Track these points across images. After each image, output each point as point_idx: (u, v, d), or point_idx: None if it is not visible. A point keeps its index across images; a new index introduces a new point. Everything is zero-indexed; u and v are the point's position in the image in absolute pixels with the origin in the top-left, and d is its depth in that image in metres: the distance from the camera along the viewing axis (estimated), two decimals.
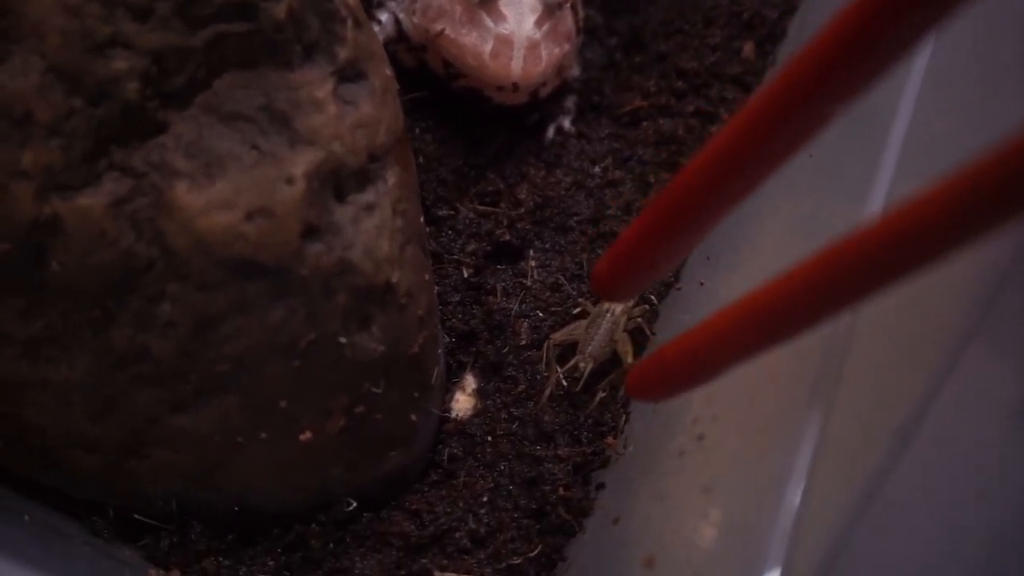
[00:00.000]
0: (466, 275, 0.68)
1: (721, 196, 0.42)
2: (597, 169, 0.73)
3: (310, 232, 0.52)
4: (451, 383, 0.65)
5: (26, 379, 0.53)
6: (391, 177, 0.56)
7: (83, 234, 0.50)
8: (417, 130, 0.73)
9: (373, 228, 0.54)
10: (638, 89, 0.77)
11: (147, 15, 0.50)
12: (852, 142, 0.63)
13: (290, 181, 0.51)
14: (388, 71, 0.57)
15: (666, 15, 0.81)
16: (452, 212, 0.70)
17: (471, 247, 0.69)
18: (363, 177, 0.54)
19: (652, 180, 0.72)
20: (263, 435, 0.55)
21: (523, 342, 0.65)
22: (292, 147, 0.52)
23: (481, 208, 0.70)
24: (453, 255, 0.68)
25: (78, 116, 0.49)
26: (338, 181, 0.53)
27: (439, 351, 0.61)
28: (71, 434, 0.54)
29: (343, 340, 0.54)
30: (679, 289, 0.67)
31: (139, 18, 0.49)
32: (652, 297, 0.67)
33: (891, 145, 0.58)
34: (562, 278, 0.68)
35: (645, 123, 0.75)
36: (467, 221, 0.70)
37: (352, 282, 0.53)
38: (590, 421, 0.62)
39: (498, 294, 0.67)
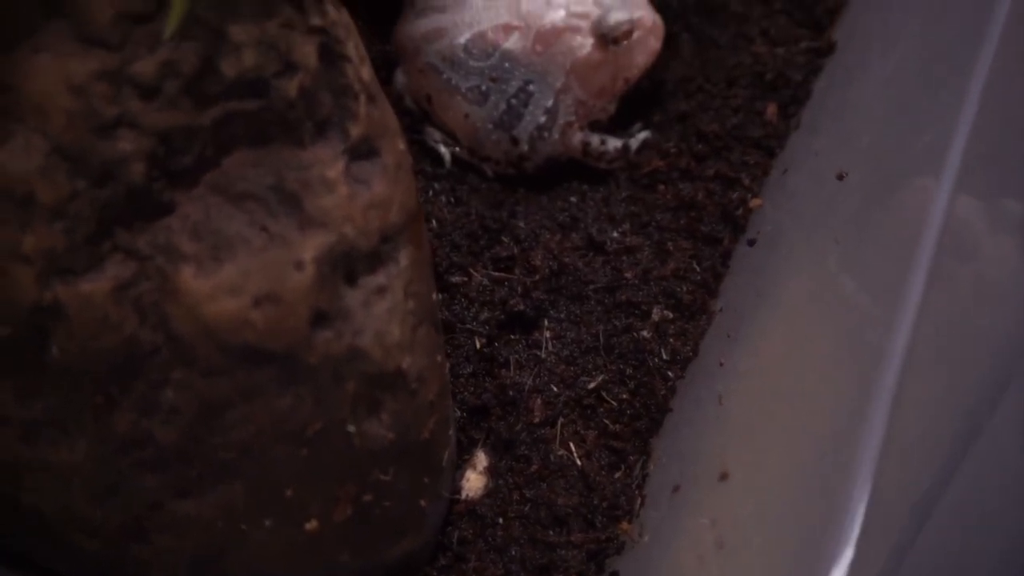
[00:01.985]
0: (479, 346, 0.66)
1: None
2: (615, 234, 0.71)
3: (319, 318, 0.50)
4: (462, 459, 0.63)
5: (25, 461, 0.51)
6: (403, 258, 0.54)
7: (85, 319, 0.48)
8: (430, 192, 0.72)
9: (384, 312, 0.52)
10: (657, 149, 0.76)
11: (155, 94, 0.48)
12: (877, 219, 0.61)
13: (299, 266, 0.50)
14: (402, 145, 0.55)
15: (687, 71, 0.79)
16: (465, 279, 0.68)
17: (484, 316, 0.67)
18: (375, 259, 0.53)
19: (671, 248, 0.70)
20: (268, 523, 0.53)
21: (536, 420, 0.63)
22: (302, 229, 0.50)
23: (495, 274, 0.69)
24: (466, 324, 0.67)
25: (82, 198, 0.47)
26: (349, 264, 0.51)
27: (450, 432, 0.60)
28: (71, 517, 0.53)
29: (351, 428, 0.52)
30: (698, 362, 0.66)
31: (146, 97, 0.48)
32: (670, 373, 0.65)
33: (925, 238, 0.56)
34: (577, 351, 0.66)
35: (664, 186, 0.74)
36: (480, 288, 0.68)
37: (362, 369, 0.51)
38: (605, 504, 0.60)
39: (511, 367, 0.65)
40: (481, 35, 0.72)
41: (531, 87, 0.72)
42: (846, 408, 0.53)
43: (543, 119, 0.73)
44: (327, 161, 0.52)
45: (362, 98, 0.53)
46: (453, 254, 0.69)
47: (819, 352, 0.61)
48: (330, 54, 0.53)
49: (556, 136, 0.74)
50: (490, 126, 0.73)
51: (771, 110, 0.75)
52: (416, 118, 0.76)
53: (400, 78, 0.76)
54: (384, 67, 0.75)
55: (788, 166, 0.71)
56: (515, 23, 0.72)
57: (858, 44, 0.75)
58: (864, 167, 0.63)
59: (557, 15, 0.72)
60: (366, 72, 0.54)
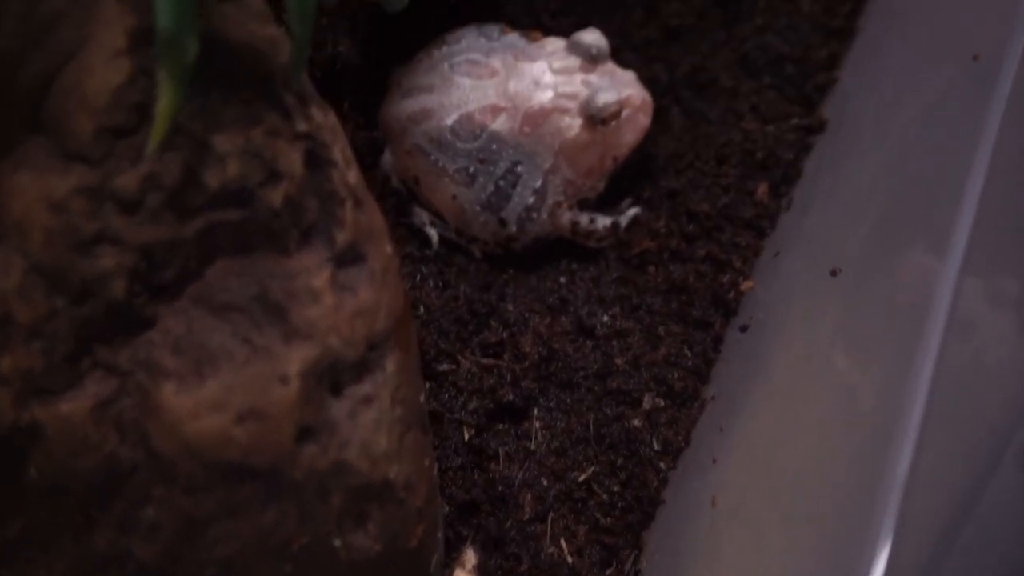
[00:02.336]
0: (467, 437, 0.65)
1: None
2: (605, 317, 0.71)
3: (304, 433, 0.49)
4: (450, 558, 0.62)
5: None
6: (390, 364, 0.53)
7: (64, 439, 0.47)
8: (418, 277, 0.71)
9: (371, 422, 0.51)
10: (647, 228, 0.75)
11: (136, 208, 0.47)
12: (874, 303, 0.60)
13: (284, 380, 0.49)
14: (388, 248, 0.55)
15: (677, 147, 0.78)
16: (454, 366, 0.67)
17: (473, 405, 0.66)
18: (361, 367, 0.52)
19: (662, 333, 0.69)
20: None
21: (526, 516, 0.62)
22: (287, 341, 0.49)
23: (484, 361, 0.68)
24: (454, 414, 0.66)
25: (60, 316, 0.46)
26: (335, 375, 0.50)
27: (438, 535, 0.58)
28: None
29: (337, 542, 0.51)
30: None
31: (128, 211, 0.47)
32: (661, 464, 0.64)
33: (928, 322, 0.55)
34: (567, 442, 0.65)
35: (654, 267, 0.73)
36: (469, 376, 0.67)
37: (348, 482, 0.50)
38: None
39: (501, 460, 0.64)
40: (468, 116, 0.72)
41: (519, 168, 0.72)
42: (849, 496, 0.52)
43: (531, 200, 0.73)
44: (312, 269, 0.51)
45: (348, 203, 0.52)
46: (441, 341, 0.68)
47: (817, 440, 0.60)
48: (316, 160, 0.52)
49: (544, 216, 0.73)
50: (478, 208, 0.73)
51: (762, 189, 0.74)
52: (403, 199, 0.76)
53: (387, 159, 0.75)
54: (370, 152, 0.74)
55: (780, 248, 0.71)
56: (502, 104, 0.72)
57: (849, 122, 0.74)
58: (858, 250, 0.63)
59: (545, 96, 0.71)
60: (352, 175, 0.53)
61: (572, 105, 0.72)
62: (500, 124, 0.71)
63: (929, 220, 0.59)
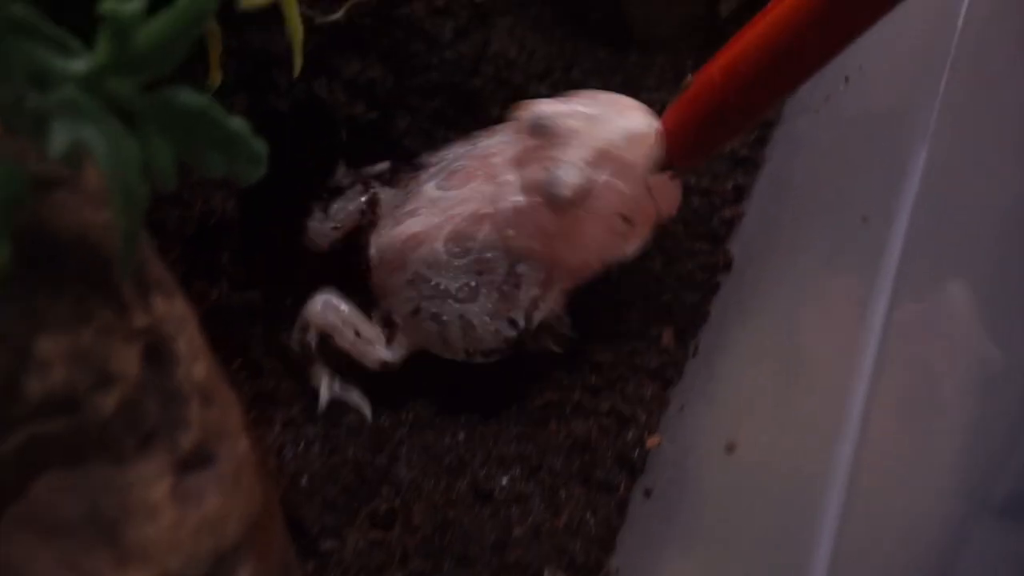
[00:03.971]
0: None
1: None
2: (504, 480, 0.66)
3: None
4: None
5: None
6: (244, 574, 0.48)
7: None
8: (301, 444, 0.66)
9: None
10: (550, 377, 0.71)
11: None
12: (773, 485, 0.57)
13: None
14: (244, 445, 0.50)
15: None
16: (339, 543, 0.62)
17: None
18: None
19: (563, 496, 0.65)
20: None
21: None
22: (119, 566, 0.44)
23: (372, 535, 0.63)
24: None
25: None
26: None
27: None
28: None
29: None
30: None
31: None
32: None
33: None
34: None
35: (556, 422, 0.69)
36: (356, 553, 0.62)
37: None
38: None
39: None
40: (457, 232, 0.68)
41: (519, 268, 0.68)
42: None
43: (537, 291, 0.69)
44: (151, 480, 0.46)
45: (194, 401, 0.48)
46: (326, 515, 0.63)
47: None
48: (157, 356, 0.47)
49: (550, 303, 0.70)
50: (487, 318, 0.68)
51: (667, 336, 0.71)
52: (309, 355, 0.71)
53: (315, 305, 0.71)
54: (246, 315, 0.69)
55: (686, 401, 0.67)
56: (485, 210, 0.67)
57: (755, 261, 0.72)
58: (757, 422, 0.59)
59: (515, 194, 0.67)
60: (200, 369, 0.49)
61: (539, 198, 0.66)
62: (487, 232, 0.67)
63: (829, 387, 0.55)
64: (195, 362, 0.49)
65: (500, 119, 0.78)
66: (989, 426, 0.64)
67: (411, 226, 0.69)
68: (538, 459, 0.67)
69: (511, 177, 0.67)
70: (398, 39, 0.76)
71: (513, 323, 0.69)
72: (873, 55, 0.72)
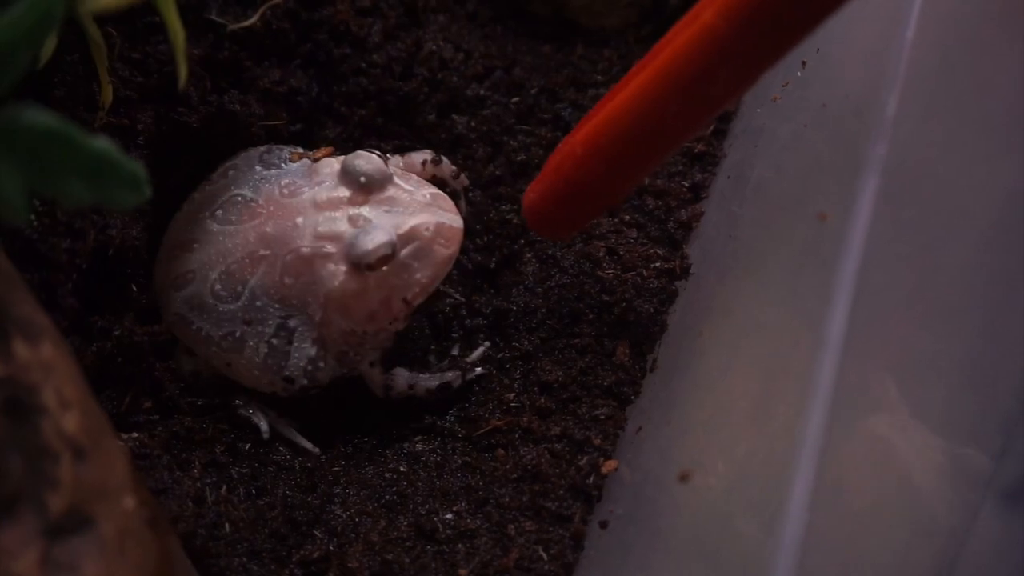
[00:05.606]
0: None
1: None
2: (448, 515, 0.61)
3: None
4: None
5: None
6: None
7: None
8: (224, 488, 0.61)
9: None
10: (498, 399, 0.66)
11: None
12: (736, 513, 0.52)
13: None
14: (130, 503, 0.45)
15: (529, 300, 0.69)
16: None
17: None
18: None
19: (512, 531, 0.60)
20: None
21: None
22: None
23: None
24: None
25: None
26: None
27: None
28: None
29: None
30: None
31: None
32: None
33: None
34: None
35: (504, 451, 0.64)
36: None
37: None
38: None
39: None
40: (228, 272, 0.62)
41: (291, 323, 0.62)
42: None
43: (313, 351, 0.62)
44: (16, 549, 0.41)
45: (65, 457, 0.42)
46: (252, 564, 0.58)
47: None
48: (19, 409, 0.42)
49: (333, 362, 0.64)
50: (256, 372, 0.63)
51: (621, 350, 0.65)
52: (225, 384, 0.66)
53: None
54: (155, 348, 0.64)
55: (644, 422, 0.62)
56: (261, 251, 0.62)
57: (715, 266, 0.66)
58: (718, 445, 0.54)
59: (303, 239, 0.61)
60: (72, 421, 0.43)
61: (334, 249, 0.60)
62: (260, 276, 0.61)
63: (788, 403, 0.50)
64: (66, 413, 0.43)
65: (436, 126, 0.73)
66: (976, 426, 0.60)
67: (183, 262, 0.63)
68: (485, 491, 0.62)
69: (302, 221, 0.61)
70: (321, 43, 0.70)
71: (290, 380, 0.63)
72: (830, 37, 0.66)
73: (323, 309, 0.61)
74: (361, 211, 0.60)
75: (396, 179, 0.62)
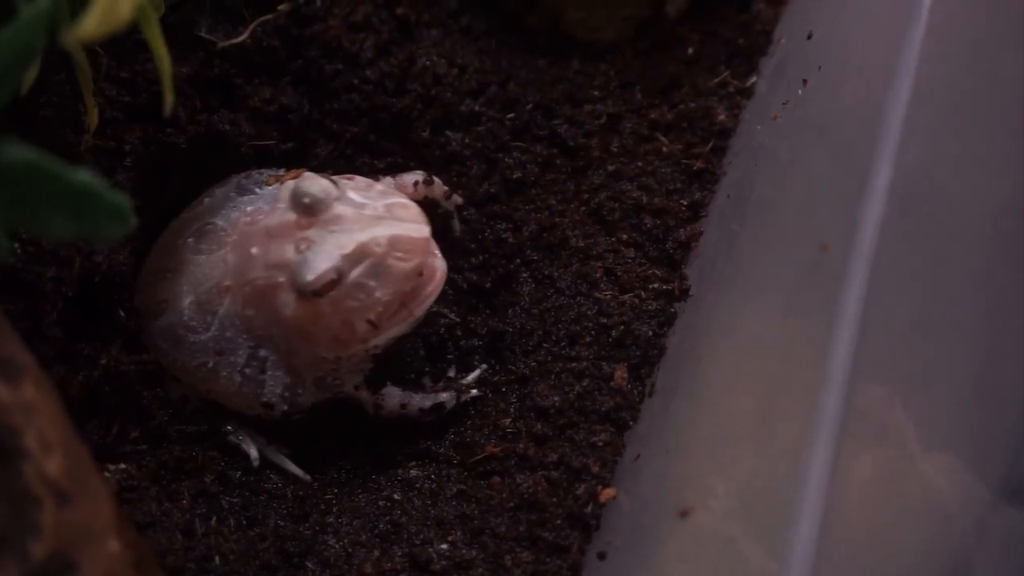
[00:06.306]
0: None
1: None
2: (443, 546, 0.60)
3: None
4: None
5: None
6: None
7: None
8: (213, 519, 0.59)
9: None
10: (493, 425, 0.64)
11: None
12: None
13: None
14: (115, 546, 0.43)
15: (526, 322, 0.68)
16: None
17: None
18: None
19: (509, 563, 0.58)
20: None
21: None
22: None
23: None
24: None
25: None
26: None
27: None
28: None
29: None
30: None
31: None
32: None
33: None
34: None
35: (499, 478, 0.62)
36: None
37: None
38: None
39: None
40: (198, 303, 0.61)
41: (261, 352, 0.61)
42: None
43: (288, 379, 0.61)
44: None
45: (48, 502, 0.41)
46: None
47: None
48: (1, 452, 0.40)
49: (312, 387, 0.62)
50: (236, 400, 0.62)
51: (619, 373, 0.64)
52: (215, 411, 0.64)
53: None
54: (142, 377, 0.62)
55: (643, 448, 0.60)
56: (227, 282, 0.60)
57: (715, 287, 0.65)
58: (719, 473, 0.53)
59: (257, 271, 0.59)
60: (55, 464, 0.42)
61: (282, 278, 0.58)
62: (227, 307, 0.60)
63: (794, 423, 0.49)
64: (48, 456, 0.42)
65: (429, 143, 0.72)
66: (985, 443, 0.59)
67: (159, 291, 0.62)
68: (480, 520, 0.61)
69: (256, 251, 0.59)
70: (312, 59, 0.69)
71: (269, 407, 0.61)
72: (831, 54, 0.65)
73: (285, 340, 0.60)
74: (308, 234, 0.58)
75: (349, 194, 0.58)
